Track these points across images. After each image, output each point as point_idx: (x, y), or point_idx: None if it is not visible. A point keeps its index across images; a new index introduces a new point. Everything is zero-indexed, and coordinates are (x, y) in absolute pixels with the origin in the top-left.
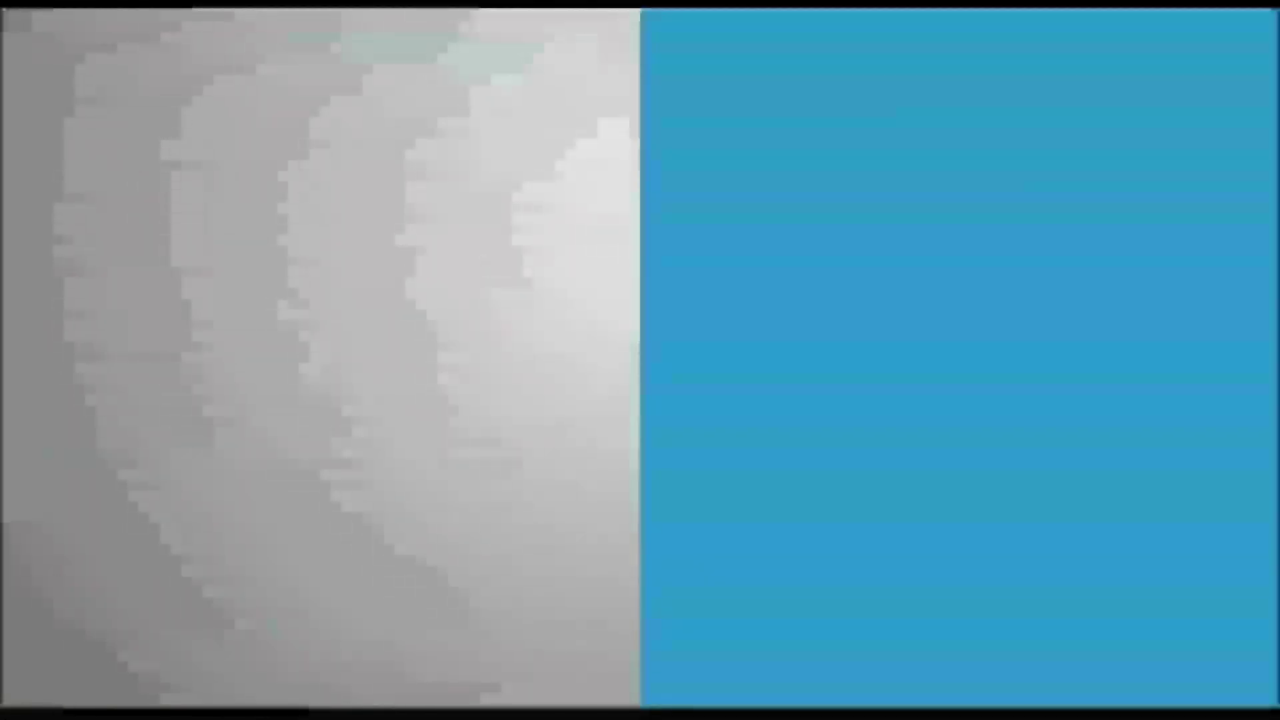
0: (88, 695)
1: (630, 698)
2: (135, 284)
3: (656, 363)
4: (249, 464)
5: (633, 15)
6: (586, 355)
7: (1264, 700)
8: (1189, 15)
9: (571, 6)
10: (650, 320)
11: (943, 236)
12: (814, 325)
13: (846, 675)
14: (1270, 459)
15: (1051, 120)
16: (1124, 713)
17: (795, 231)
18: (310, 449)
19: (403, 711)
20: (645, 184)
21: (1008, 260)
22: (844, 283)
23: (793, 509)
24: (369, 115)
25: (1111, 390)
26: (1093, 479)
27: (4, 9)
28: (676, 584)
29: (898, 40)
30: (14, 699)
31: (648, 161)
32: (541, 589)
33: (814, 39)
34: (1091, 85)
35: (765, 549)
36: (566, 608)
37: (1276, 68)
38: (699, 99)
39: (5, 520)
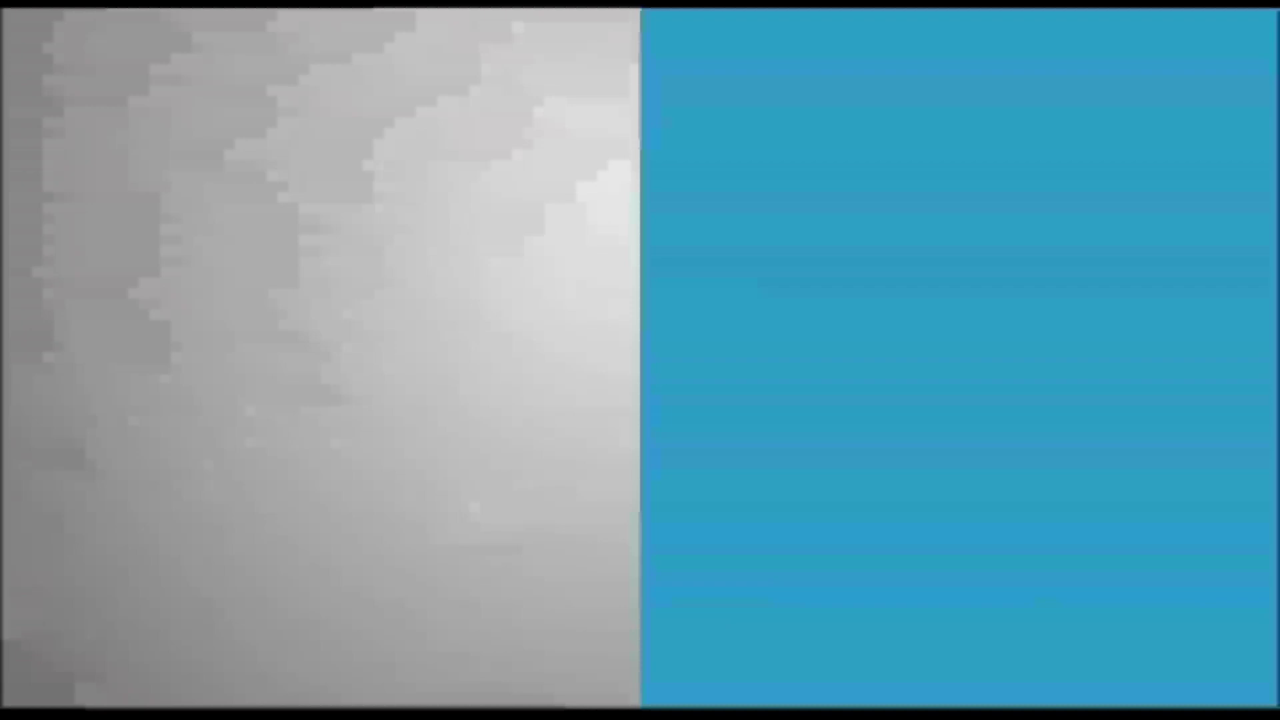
0: (87, 695)
1: (630, 698)
2: (134, 285)
3: (657, 362)
4: (249, 462)
5: (633, 15)
6: (587, 355)
7: (1264, 700)
8: (1189, 15)
9: (572, 6)
10: (651, 318)
11: (942, 235)
12: (816, 322)
13: (848, 675)
14: (1270, 458)
15: (1052, 120)
16: (1123, 712)
17: (796, 231)
18: (308, 446)
19: (403, 711)
20: (646, 185)
21: (1007, 258)
22: (845, 280)
23: (795, 509)
24: (375, 107)
25: (1111, 385)
26: (1093, 478)
27: (4, 9)
28: (676, 584)
29: (898, 40)
30: (14, 699)
31: (648, 162)
32: (541, 589)
33: (815, 39)
34: (1091, 85)
35: (767, 549)
36: (566, 607)
37: (1276, 68)
38: (699, 100)
39: (5, 520)
